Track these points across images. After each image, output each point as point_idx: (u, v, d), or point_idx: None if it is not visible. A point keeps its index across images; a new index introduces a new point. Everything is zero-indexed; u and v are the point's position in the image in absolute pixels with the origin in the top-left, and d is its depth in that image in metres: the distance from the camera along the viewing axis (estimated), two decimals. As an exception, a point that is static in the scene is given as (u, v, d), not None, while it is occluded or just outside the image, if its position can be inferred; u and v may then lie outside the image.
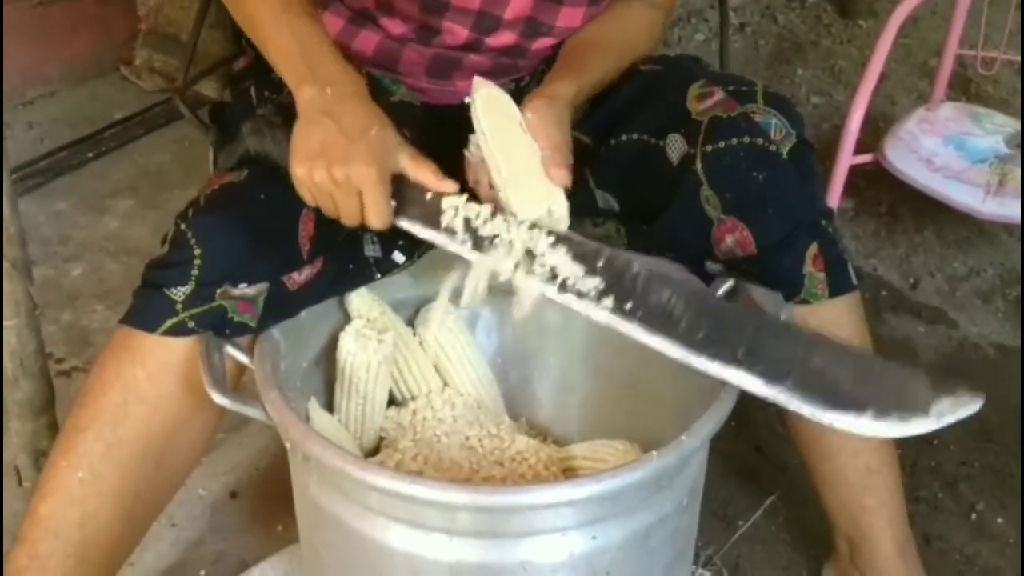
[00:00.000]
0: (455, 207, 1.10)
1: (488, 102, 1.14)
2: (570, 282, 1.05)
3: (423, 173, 1.12)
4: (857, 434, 0.96)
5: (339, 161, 1.08)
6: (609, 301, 1.04)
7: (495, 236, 1.08)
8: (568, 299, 1.06)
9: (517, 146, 1.13)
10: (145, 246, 1.25)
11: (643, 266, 1.05)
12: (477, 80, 1.16)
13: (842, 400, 0.96)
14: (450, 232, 1.10)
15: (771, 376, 0.98)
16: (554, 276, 1.06)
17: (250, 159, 1.20)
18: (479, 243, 1.09)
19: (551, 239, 1.07)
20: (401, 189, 1.12)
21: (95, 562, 1.15)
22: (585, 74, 1.26)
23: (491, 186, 1.12)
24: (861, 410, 0.95)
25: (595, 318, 1.05)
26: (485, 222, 1.09)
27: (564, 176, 1.12)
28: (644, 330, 1.02)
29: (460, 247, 1.10)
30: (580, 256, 1.05)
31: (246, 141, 1.20)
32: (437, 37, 1.30)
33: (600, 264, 1.05)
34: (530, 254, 1.08)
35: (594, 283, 1.04)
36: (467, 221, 1.10)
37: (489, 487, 1.16)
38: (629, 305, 1.03)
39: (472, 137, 1.15)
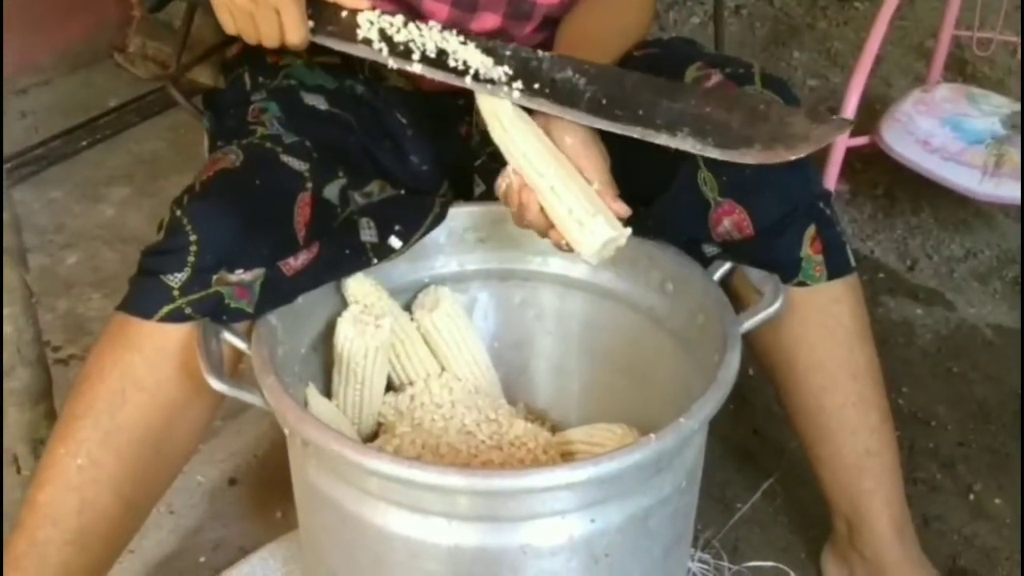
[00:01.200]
0: (370, 20, 1.20)
1: (511, 124, 1.15)
2: (482, 72, 1.16)
3: None
4: (749, 162, 1.13)
5: None
6: (519, 84, 1.15)
7: (409, 41, 1.18)
8: (481, 87, 1.16)
9: (565, 176, 1.13)
10: (141, 234, 1.25)
11: (547, 53, 1.19)
12: (484, 107, 1.17)
13: (733, 139, 1.12)
14: (367, 43, 1.19)
15: (669, 127, 1.14)
16: (467, 69, 1.16)
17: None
18: (394, 49, 1.19)
19: (460, 38, 1.18)
20: (317, 9, 1.20)
21: (93, 549, 1.14)
22: None
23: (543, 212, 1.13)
24: (749, 145, 1.12)
25: (512, 100, 1.15)
26: (399, 30, 1.19)
27: (624, 208, 1.15)
28: (553, 104, 1.15)
29: (378, 55, 1.19)
30: (488, 50, 1.18)
31: None
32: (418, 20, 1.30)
33: (507, 54, 1.17)
34: (443, 53, 1.18)
35: (503, 70, 1.16)
36: (382, 31, 1.19)
37: (487, 471, 1.16)
38: (537, 85, 1.15)
39: (508, 167, 1.15)
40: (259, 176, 1.15)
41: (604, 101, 1.15)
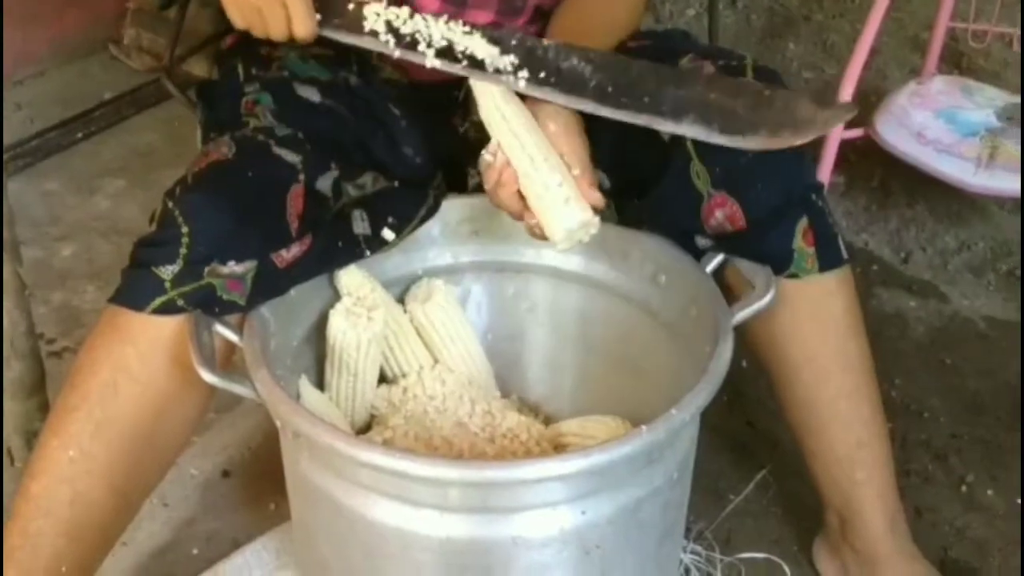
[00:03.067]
0: (376, 12, 1.21)
1: (501, 107, 1.16)
2: (488, 62, 1.17)
3: None
4: (753, 148, 1.14)
5: None
6: (525, 73, 1.16)
7: (416, 32, 1.19)
8: (488, 77, 1.17)
9: (544, 154, 1.15)
10: (136, 226, 1.25)
11: (552, 42, 1.19)
12: (479, 87, 1.18)
13: (738, 125, 1.13)
14: (373, 34, 1.20)
15: (675, 114, 1.14)
16: (473, 60, 1.17)
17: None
18: (401, 40, 1.20)
19: (466, 28, 1.20)
20: (324, 3, 1.21)
21: (86, 540, 1.15)
22: None
23: (520, 195, 1.16)
24: (756, 131, 1.13)
25: (516, 89, 1.17)
26: (405, 21, 1.21)
27: (599, 198, 1.17)
28: (559, 93, 1.16)
29: (384, 47, 1.20)
30: (494, 40, 1.18)
31: None
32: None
33: (513, 43, 1.18)
34: (449, 44, 1.19)
35: (509, 59, 1.17)
36: (388, 23, 1.21)
37: (478, 463, 1.16)
38: (543, 74, 1.16)
39: (492, 142, 1.17)
40: (251, 168, 1.15)
41: (610, 89, 1.16)
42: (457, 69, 1.19)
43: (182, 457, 1.49)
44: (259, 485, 1.52)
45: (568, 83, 1.17)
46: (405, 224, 1.29)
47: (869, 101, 2.13)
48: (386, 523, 1.05)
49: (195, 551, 1.44)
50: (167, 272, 1.10)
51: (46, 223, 2.10)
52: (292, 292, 1.21)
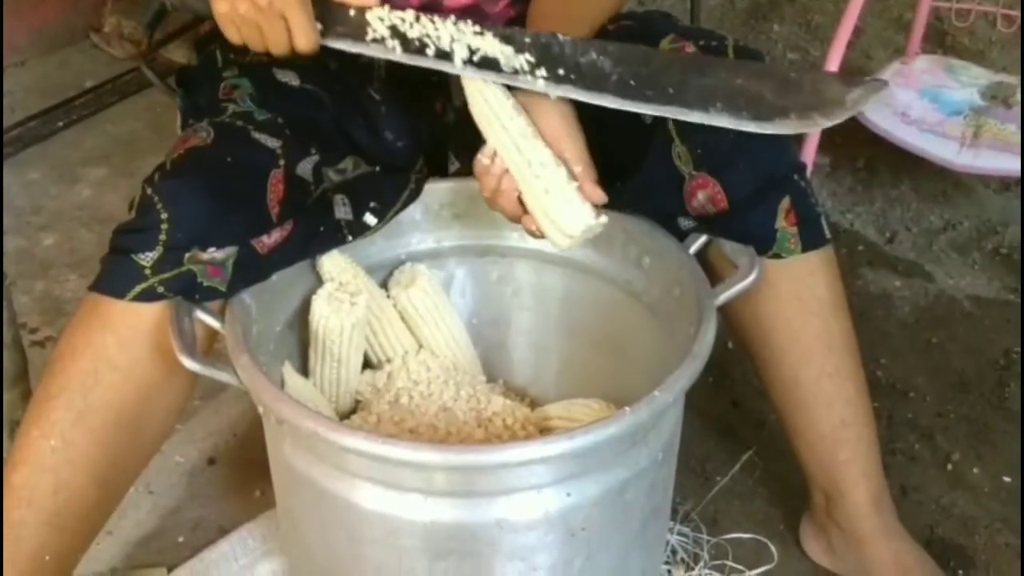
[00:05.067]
0: (380, 17, 1.15)
1: (497, 103, 1.14)
2: (503, 62, 1.12)
3: None
4: (786, 133, 1.11)
5: None
6: (543, 71, 1.12)
7: (424, 36, 1.13)
8: (504, 78, 1.13)
9: (543, 157, 1.13)
10: (118, 215, 1.23)
11: (566, 37, 1.14)
12: (470, 86, 1.15)
13: (767, 110, 1.09)
14: (378, 41, 1.15)
15: (702, 104, 1.10)
16: (487, 61, 1.12)
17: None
18: (408, 46, 1.14)
19: (476, 28, 1.14)
20: (324, 11, 1.15)
21: (70, 529, 1.14)
22: None
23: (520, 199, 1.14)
24: (785, 116, 1.09)
25: (535, 88, 1.13)
26: (411, 25, 1.14)
27: (601, 195, 1.14)
28: (580, 90, 1.12)
29: (390, 53, 1.15)
30: (507, 38, 1.13)
31: None
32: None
33: (527, 41, 1.13)
34: (459, 46, 1.13)
35: (524, 58, 1.12)
36: (393, 28, 1.15)
37: (462, 447, 1.16)
38: (561, 71, 1.12)
39: (487, 145, 1.15)
40: (230, 153, 1.15)
41: (632, 82, 1.12)
42: (469, 73, 1.14)
43: (167, 445, 1.48)
44: (245, 472, 1.51)
45: (589, 79, 1.12)
46: (387, 209, 1.29)
47: (853, 81, 2.13)
48: (370, 508, 1.04)
49: (181, 539, 1.44)
50: (147, 259, 1.09)
51: (28, 212, 2.09)
52: (274, 278, 1.20)
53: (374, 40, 1.15)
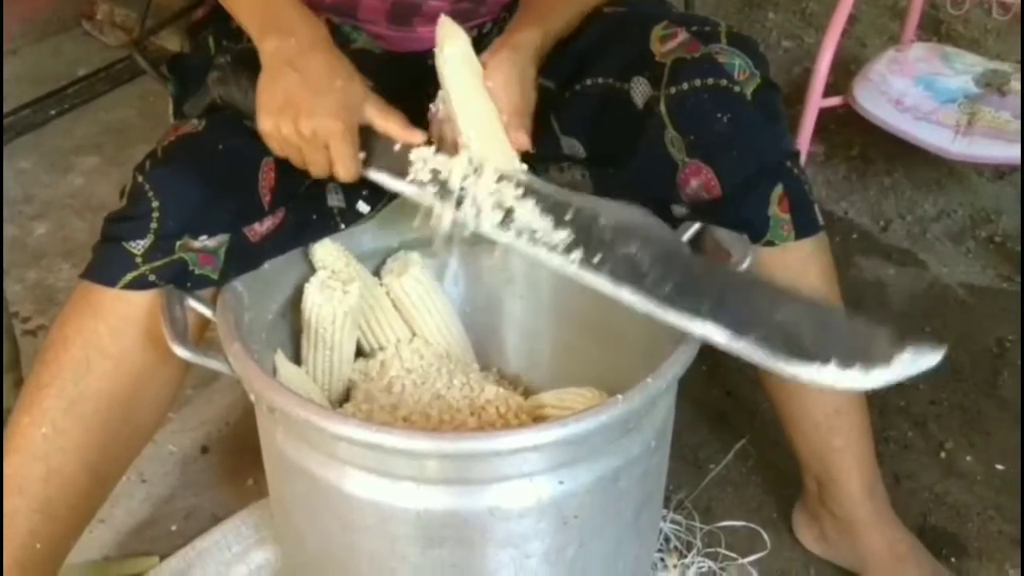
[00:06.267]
0: (423, 159, 1.11)
1: (455, 58, 1.13)
2: (539, 235, 1.06)
3: (390, 124, 1.12)
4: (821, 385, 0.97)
5: (305, 115, 1.08)
6: (578, 254, 1.05)
7: (463, 193, 1.09)
8: (538, 251, 1.07)
9: (483, 106, 1.12)
10: (110, 203, 1.23)
11: (611, 218, 1.06)
12: (445, 24, 1.13)
13: (806, 352, 0.96)
14: (418, 183, 1.11)
15: (736, 329, 0.99)
16: (522, 229, 1.06)
17: (214, 107, 1.18)
18: (447, 194, 1.09)
19: (519, 191, 1.07)
20: (369, 140, 1.13)
21: (61, 517, 1.14)
22: (549, 21, 1.24)
23: (456, 144, 1.12)
24: (824, 362, 0.95)
25: (564, 271, 1.06)
26: (451, 172, 1.10)
27: (524, 141, 1.13)
28: (612, 282, 1.04)
29: (429, 198, 1.11)
30: (548, 208, 1.06)
31: (212, 90, 1.18)
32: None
33: (568, 217, 1.06)
34: (499, 205, 1.08)
35: (562, 236, 1.05)
36: (435, 172, 1.10)
37: (454, 434, 1.16)
38: (597, 258, 1.04)
39: (440, 93, 1.14)
40: (222, 141, 1.14)
41: (668, 288, 1.02)
42: (502, 237, 1.08)
43: (160, 433, 1.49)
44: (238, 461, 1.51)
45: (624, 273, 1.03)
46: (380, 197, 1.28)
47: (848, 69, 2.13)
48: (363, 496, 1.04)
49: (174, 527, 1.44)
50: (138, 247, 1.09)
51: (20, 201, 2.08)
52: (266, 266, 1.20)
53: (414, 181, 1.11)
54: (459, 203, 1.09)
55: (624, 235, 1.05)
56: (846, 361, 0.95)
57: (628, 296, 1.03)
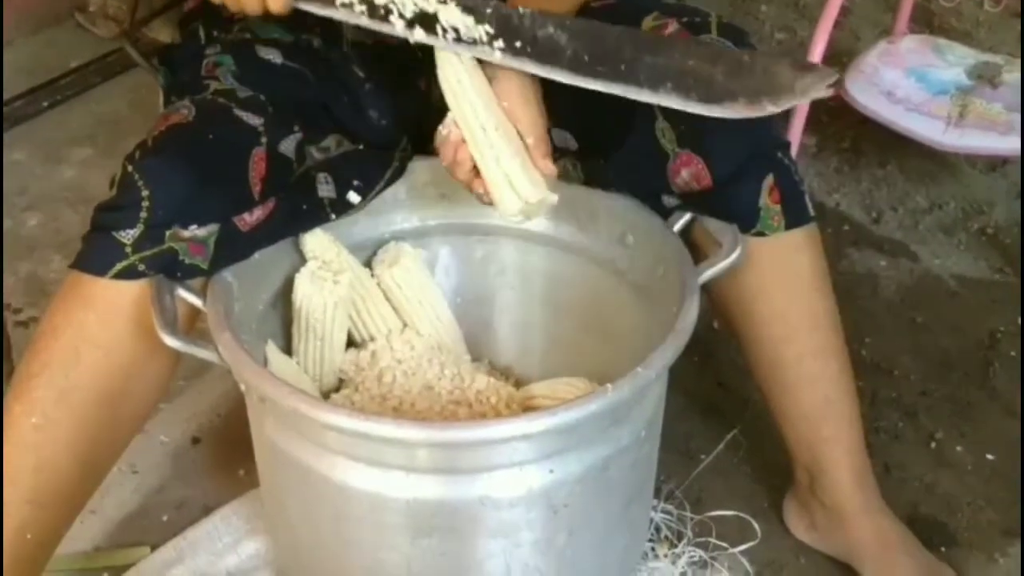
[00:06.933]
0: None
1: (461, 76, 1.14)
2: (463, 31, 1.13)
3: None
4: (734, 118, 1.10)
5: None
6: (500, 43, 1.13)
7: (389, 3, 1.14)
8: (463, 47, 1.13)
9: (503, 130, 1.13)
10: (103, 195, 1.23)
11: (527, 10, 1.14)
12: (442, 55, 1.15)
13: (716, 93, 1.09)
14: (347, 5, 1.15)
15: (651, 83, 1.10)
16: (447, 29, 1.13)
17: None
18: (375, 12, 1.14)
19: None
20: None
21: (51, 508, 1.14)
22: None
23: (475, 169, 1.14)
24: (734, 99, 1.08)
25: (492, 60, 1.14)
26: None
27: (552, 169, 1.14)
28: (535, 63, 1.13)
29: (357, 18, 1.15)
30: (468, 8, 1.13)
31: None
32: None
33: (488, 12, 1.13)
34: (423, 14, 1.14)
35: (484, 29, 1.12)
36: None
37: (445, 423, 1.16)
38: (519, 44, 1.12)
39: (448, 115, 1.15)
40: (212, 131, 1.14)
41: (586, 58, 1.12)
42: (430, 40, 1.14)
43: (151, 424, 1.48)
44: (229, 451, 1.51)
45: (543, 53, 1.12)
46: (371, 187, 1.29)
47: (841, 62, 2.13)
48: (353, 486, 1.05)
49: (165, 518, 1.44)
50: (127, 237, 1.09)
51: (13, 193, 2.07)
52: (256, 256, 1.20)
53: (343, 4, 1.15)
54: (386, 17, 1.14)
55: (541, 20, 1.13)
56: (754, 96, 1.08)
57: (552, 73, 1.13)
